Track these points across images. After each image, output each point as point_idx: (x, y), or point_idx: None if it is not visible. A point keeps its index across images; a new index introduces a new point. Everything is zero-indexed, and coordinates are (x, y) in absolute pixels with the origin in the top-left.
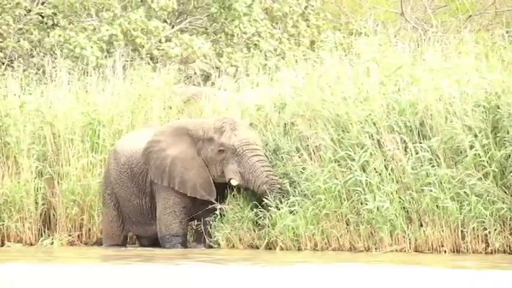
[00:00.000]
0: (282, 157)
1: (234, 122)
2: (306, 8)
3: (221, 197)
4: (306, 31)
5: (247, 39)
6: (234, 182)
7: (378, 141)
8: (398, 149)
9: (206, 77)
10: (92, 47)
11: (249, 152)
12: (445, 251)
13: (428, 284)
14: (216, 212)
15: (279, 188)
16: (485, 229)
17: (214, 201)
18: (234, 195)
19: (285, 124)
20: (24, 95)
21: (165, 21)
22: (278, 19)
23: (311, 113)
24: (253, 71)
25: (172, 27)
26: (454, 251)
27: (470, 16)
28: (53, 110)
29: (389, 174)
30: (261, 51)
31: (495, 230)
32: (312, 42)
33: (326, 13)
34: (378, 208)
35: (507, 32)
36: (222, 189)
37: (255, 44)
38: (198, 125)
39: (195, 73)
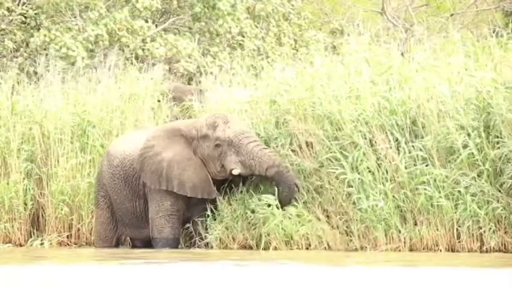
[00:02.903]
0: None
1: (225, 116)
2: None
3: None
4: (288, 30)
5: (231, 39)
6: (236, 172)
7: (370, 140)
8: (390, 147)
9: (190, 77)
10: (77, 47)
11: (245, 139)
12: (440, 250)
13: (424, 283)
14: (206, 212)
15: (286, 168)
16: (480, 228)
17: (208, 202)
18: (227, 195)
19: (276, 121)
20: (13, 95)
21: (146, 21)
22: (261, 19)
23: (302, 112)
24: (239, 70)
25: (156, 26)
26: (449, 250)
27: (452, 15)
28: (42, 110)
29: (383, 173)
30: (244, 50)
31: (490, 229)
32: (294, 42)
33: (307, 13)
34: (372, 207)
35: (494, 32)
36: (218, 188)
37: (240, 44)
38: (190, 125)
39: (182, 74)
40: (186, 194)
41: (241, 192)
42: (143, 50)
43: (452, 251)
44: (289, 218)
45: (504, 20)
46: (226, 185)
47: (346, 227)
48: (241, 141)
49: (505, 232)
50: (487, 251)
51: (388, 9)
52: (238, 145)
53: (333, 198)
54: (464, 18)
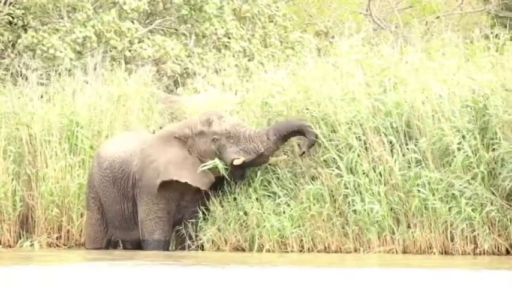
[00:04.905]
0: None
1: (217, 112)
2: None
3: (207, 197)
4: (274, 32)
5: (217, 40)
6: (237, 162)
7: (365, 142)
8: (384, 150)
9: (177, 79)
10: (65, 49)
11: (242, 128)
12: (433, 253)
13: (417, 285)
14: (198, 214)
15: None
16: (473, 231)
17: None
18: (219, 197)
19: (269, 123)
20: None
21: (132, 22)
22: (247, 20)
23: (296, 113)
24: (229, 71)
25: (143, 28)
26: (442, 253)
27: (438, 17)
28: (28, 112)
29: (377, 176)
30: (230, 51)
31: (484, 231)
32: (280, 43)
33: (292, 15)
34: (365, 210)
35: (481, 33)
36: (213, 188)
37: (225, 45)
38: (182, 125)
39: (168, 76)
40: (185, 181)
41: (234, 193)
42: (130, 51)
43: (446, 253)
44: (282, 223)
45: (489, 23)
46: (219, 186)
47: (340, 229)
48: (238, 130)
49: (499, 235)
50: (480, 254)
51: (374, 11)
52: (236, 135)
53: (323, 199)
54: (449, 20)
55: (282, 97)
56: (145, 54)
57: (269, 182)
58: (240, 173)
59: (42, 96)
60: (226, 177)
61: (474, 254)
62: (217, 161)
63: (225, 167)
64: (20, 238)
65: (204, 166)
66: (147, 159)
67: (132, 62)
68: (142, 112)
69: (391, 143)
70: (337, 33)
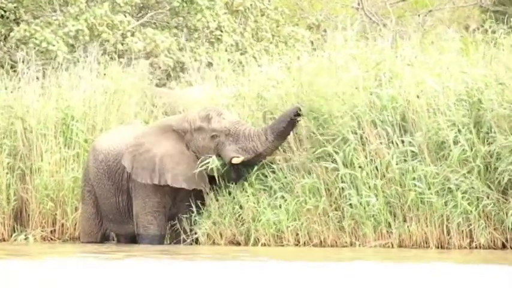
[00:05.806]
0: None
1: (217, 109)
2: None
3: (202, 192)
4: (266, 26)
5: (209, 33)
6: (236, 160)
7: (361, 136)
8: (381, 143)
9: (170, 72)
10: (58, 42)
11: (242, 126)
12: (429, 247)
13: (413, 279)
14: (192, 208)
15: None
16: (470, 225)
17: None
18: (214, 191)
19: (264, 116)
20: None
21: (124, 15)
22: (239, 13)
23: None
24: (224, 65)
25: (137, 20)
26: (438, 247)
27: (430, 11)
28: (24, 105)
29: (373, 169)
30: (222, 44)
31: (480, 225)
32: (272, 37)
33: (283, 8)
34: (361, 203)
35: (478, 28)
36: (210, 182)
37: (218, 39)
38: (181, 119)
39: (161, 70)
40: (181, 186)
41: (229, 187)
42: (123, 44)
43: (442, 247)
44: (278, 217)
45: (481, 17)
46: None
47: (338, 221)
48: (238, 128)
49: (495, 229)
50: (476, 248)
51: (365, 5)
52: (236, 133)
53: (319, 193)
54: (441, 15)
55: (277, 91)
56: (135, 48)
57: (265, 176)
58: (236, 173)
59: (36, 91)
60: (217, 177)
61: (470, 248)
62: (212, 159)
63: (219, 167)
64: (14, 232)
65: (201, 166)
66: (140, 147)
67: (124, 55)
68: (137, 106)
69: (387, 135)
70: (329, 26)
